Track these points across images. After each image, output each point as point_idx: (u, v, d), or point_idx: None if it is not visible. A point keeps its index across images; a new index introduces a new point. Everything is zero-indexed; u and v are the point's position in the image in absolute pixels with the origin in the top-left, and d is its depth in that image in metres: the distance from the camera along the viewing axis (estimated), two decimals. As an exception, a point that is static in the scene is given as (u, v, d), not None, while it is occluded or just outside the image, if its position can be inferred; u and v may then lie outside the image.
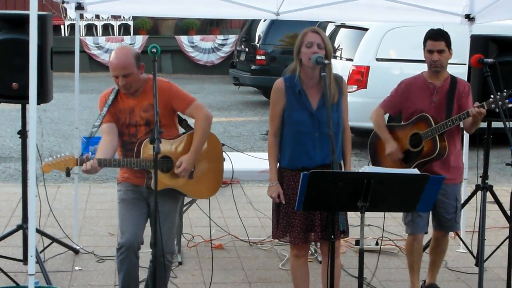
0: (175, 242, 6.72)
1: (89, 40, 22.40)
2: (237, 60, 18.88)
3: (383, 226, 6.74)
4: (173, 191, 5.56)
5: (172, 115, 5.64)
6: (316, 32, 5.33)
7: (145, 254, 5.70)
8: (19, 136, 6.46)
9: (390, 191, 4.65)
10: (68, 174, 5.23)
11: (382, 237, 7.07)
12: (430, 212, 6.07)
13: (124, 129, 5.53)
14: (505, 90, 5.74)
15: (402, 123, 6.21)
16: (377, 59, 12.58)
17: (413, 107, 6.07)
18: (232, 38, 23.09)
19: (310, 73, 5.35)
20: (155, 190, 5.06)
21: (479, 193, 6.74)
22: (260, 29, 18.01)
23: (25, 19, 5.69)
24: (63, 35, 22.33)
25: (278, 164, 5.53)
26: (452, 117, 5.87)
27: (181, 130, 5.78)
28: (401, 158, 6.10)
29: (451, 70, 6.17)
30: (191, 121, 5.75)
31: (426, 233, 6.18)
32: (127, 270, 5.47)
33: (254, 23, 18.37)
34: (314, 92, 5.39)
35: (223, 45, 23.44)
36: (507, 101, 5.68)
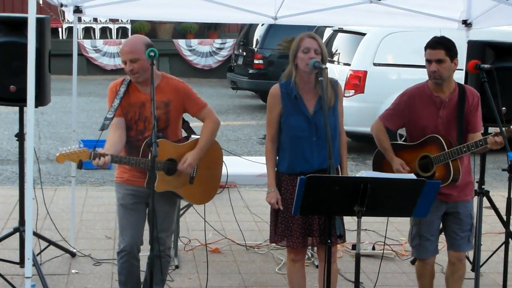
0: (172, 246, 6.73)
1: (87, 43, 22.42)
2: (235, 64, 18.90)
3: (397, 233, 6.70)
4: (171, 194, 5.59)
5: (180, 116, 5.68)
6: (313, 37, 5.35)
7: (145, 257, 5.71)
8: (16, 138, 6.47)
9: (386, 195, 4.66)
10: (80, 166, 5.24)
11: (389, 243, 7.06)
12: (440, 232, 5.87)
13: (132, 124, 5.52)
14: None
15: (409, 143, 5.80)
16: (375, 64, 12.60)
17: (418, 123, 5.67)
18: (230, 42, 23.11)
19: (306, 78, 5.36)
20: (152, 194, 5.05)
21: (475, 198, 6.73)
22: (258, 33, 18.03)
23: (23, 22, 5.69)
24: (61, 38, 22.32)
25: (275, 170, 5.54)
26: (468, 143, 5.48)
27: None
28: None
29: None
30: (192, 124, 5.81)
31: (437, 252, 5.91)
32: (128, 273, 5.60)
33: (252, 27, 18.39)
34: (310, 97, 5.40)
35: (221, 49, 23.47)
36: None
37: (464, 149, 5.48)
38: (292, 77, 5.39)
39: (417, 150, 5.71)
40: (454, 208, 5.72)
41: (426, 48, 5.62)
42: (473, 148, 5.47)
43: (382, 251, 7.54)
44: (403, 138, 6.02)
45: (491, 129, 6.35)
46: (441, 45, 5.53)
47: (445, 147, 5.53)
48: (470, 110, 5.63)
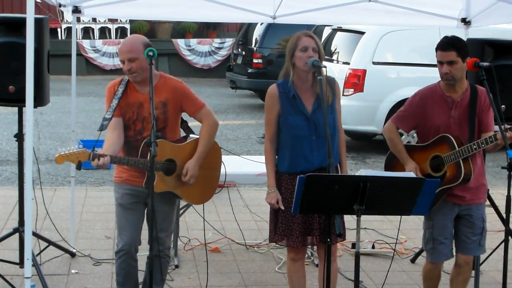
0: (172, 245, 6.74)
1: (86, 43, 22.42)
2: (234, 63, 18.90)
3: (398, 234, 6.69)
4: (170, 194, 5.59)
5: (178, 116, 5.67)
6: (310, 36, 5.34)
7: (144, 257, 5.72)
8: (15, 139, 6.47)
9: (386, 194, 4.65)
10: (79, 167, 5.22)
11: (396, 240, 7.05)
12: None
13: (131, 124, 5.51)
14: None
15: (420, 143, 5.74)
16: (374, 63, 12.59)
17: (430, 123, 5.61)
18: (229, 41, 23.12)
19: (304, 76, 5.35)
20: (151, 194, 5.05)
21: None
22: (257, 33, 18.03)
23: (22, 23, 5.68)
24: (60, 38, 22.33)
25: (275, 169, 5.53)
26: (478, 140, 5.42)
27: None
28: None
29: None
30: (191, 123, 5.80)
31: (452, 256, 5.80)
32: (126, 273, 5.59)
33: (251, 26, 18.39)
34: (308, 95, 5.39)
35: (220, 48, 23.47)
36: None
37: (474, 147, 5.42)
38: (289, 76, 5.39)
39: (428, 151, 5.66)
40: (467, 211, 5.66)
41: (437, 49, 5.54)
42: (483, 145, 5.40)
43: (382, 249, 7.57)
44: (402, 137, 5.97)
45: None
46: (452, 46, 5.46)
47: (456, 146, 5.48)
48: (482, 110, 5.58)
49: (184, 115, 5.74)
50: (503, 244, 5.93)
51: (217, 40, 23.58)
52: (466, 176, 5.49)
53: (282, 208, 5.41)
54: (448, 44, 5.47)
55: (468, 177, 5.52)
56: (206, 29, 24.14)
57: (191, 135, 5.75)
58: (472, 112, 5.56)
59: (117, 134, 5.45)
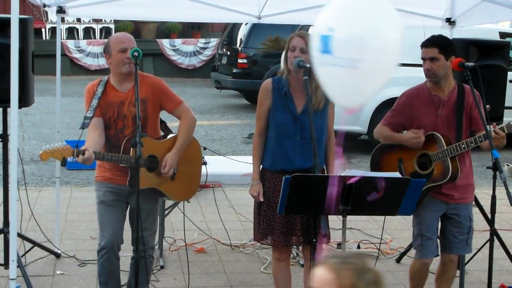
0: (157, 246, 6.73)
1: (70, 43, 22.35)
2: (219, 63, 18.87)
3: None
4: (153, 192, 5.60)
5: (158, 114, 5.69)
6: (301, 36, 5.34)
7: (127, 258, 5.70)
8: (0, 140, 6.43)
9: (372, 194, 4.66)
10: (64, 163, 5.22)
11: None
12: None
13: (112, 123, 5.53)
14: None
15: None
16: (359, 63, 12.57)
17: (417, 122, 5.64)
18: (214, 41, 23.09)
19: (295, 76, 5.36)
20: (137, 191, 5.05)
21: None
22: (242, 33, 18.01)
23: (6, 23, 5.66)
24: (44, 38, 22.23)
25: (261, 165, 5.55)
26: (467, 140, 5.45)
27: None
28: (422, 140, 5.56)
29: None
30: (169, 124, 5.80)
31: (437, 255, 5.81)
32: (109, 272, 5.58)
33: (235, 26, 18.37)
34: (301, 96, 5.39)
35: (204, 48, 23.45)
36: None
37: (463, 146, 5.45)
38: (284, 75, 5.41)
39: (417, 148, 5.67)
40: (455, 210, 5.68)
41: (421, 46, 5.61)
42: (472, 145, 5.44)
43: (367, 250, 7.58)
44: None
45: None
46: (434, 43, 5.53)
47: (444, 144, 5.50)
48: (470, 108, 5.60)
49: (163, 116, 5.74)
50: (488, 243, 5.97)
51: (202, 40, 23.56)
52: (453, 174, 5.51)
53: (261, 199, 5.44)
54: (430, 41, 5.55)
55: (455, 176, 5.54)
56: (190, 29, 24.11)
57: (170, 135, 5.77)
58: (460, 111, 5.58)
59: (98, 133, 5.46)
